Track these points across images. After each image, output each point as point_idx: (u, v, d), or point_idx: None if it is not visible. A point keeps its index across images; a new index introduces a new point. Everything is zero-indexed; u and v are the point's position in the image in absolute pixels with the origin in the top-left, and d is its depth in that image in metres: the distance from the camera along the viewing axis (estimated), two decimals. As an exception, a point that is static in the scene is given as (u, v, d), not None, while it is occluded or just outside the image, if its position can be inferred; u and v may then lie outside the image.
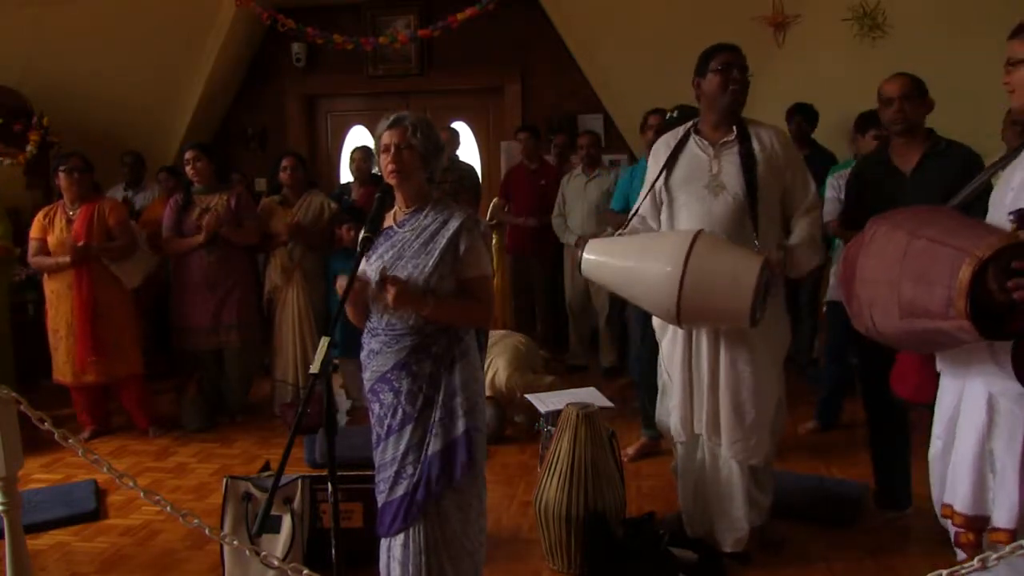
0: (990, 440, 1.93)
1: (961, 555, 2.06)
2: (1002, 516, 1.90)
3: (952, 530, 2.04)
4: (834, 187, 4.11)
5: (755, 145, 2.79)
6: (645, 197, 2.93)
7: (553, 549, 2.96)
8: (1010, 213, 1.84)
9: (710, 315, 2.67)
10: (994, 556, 1.68)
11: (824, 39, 5.50)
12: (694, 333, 2.85)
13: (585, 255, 2.81)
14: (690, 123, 2.95)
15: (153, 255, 4.74)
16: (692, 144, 2.87)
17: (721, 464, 2.90)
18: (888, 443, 3.25)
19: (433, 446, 2.26)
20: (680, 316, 2.62)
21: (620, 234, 2.98)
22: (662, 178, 2.88)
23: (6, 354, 4.75)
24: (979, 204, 2.16)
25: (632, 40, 5.90)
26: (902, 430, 3.18)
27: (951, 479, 2.03)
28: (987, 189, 2.17)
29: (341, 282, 2.19)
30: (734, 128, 2.81)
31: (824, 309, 4.32)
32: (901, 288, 1.85)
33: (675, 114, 4.06)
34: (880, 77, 4.78)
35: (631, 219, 2.98)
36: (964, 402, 2.00)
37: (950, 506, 2.02)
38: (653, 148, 3.03)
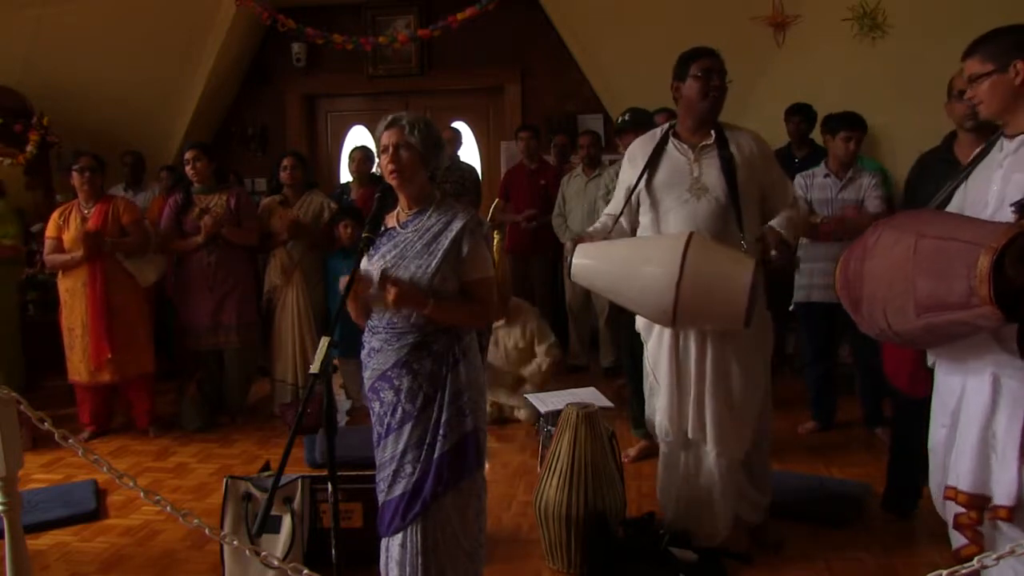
0: (993, 419, 1.98)
1: (958, 540, 2.09)
2: (1001, 493, 1.96)
3: (953, 512, 2.08)
4: (800, 187, 4.14)
5: (733, 149, 2.83)
6: (627, 201, 2.94)
7: (553, 549, 2.96)
8: (1011, 204, 1.91)
9: (705, 317, 2.68)
10: (994, 556, 1.70)
11: (824, 39, 5.50)
12: (681, 333, 2.86)
13: (576, 260, 2.78)
14: (667, 125, 2.97)
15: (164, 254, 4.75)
16: (671, 148, 2.90)
17: (704, 462, 2.91)
18: (908, 446, 3.22)
19: (441, 447, 2.26)
20: (676, 319, 2.62)
21: (603, 238, 2.96)
22: (643, 181, 2.90)
23: (16, 353, 4.76)
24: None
25: (632, 40, 5.90)
26: (922, 434, 3.16)
27: (955, 462, 2.07)
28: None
29: (344, 280, 2.20)
30: (712, 132, 2.85)
31: (792, 308, 4.30)
32: (916, 286, 1.90)
33: (626, 117, 4.04)
34: (880, 77, 4.79)
35: (614, 223, 2.97)
36: (968, 387, 2.05)
37: (954, 487, 2.06)
38: (628, 151, 3.04)
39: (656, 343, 2.94)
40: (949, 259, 1.84)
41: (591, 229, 3.01)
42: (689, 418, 2.87)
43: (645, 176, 2.89)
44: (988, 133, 2.93)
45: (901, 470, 3.28)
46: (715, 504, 2.91)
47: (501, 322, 4.69)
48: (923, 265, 1.90)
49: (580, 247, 2.80)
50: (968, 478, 2.01)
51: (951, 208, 2.16)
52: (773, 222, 2.84)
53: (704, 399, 2.84)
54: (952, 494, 2.06)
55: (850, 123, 4.09)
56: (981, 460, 2.00)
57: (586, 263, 2.77)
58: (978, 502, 2.00)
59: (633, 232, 2.99)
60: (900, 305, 1.95)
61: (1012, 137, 2.06)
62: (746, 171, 2.82)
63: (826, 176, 4.14)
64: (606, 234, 2.95)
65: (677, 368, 2.88)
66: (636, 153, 2.97)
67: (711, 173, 2.82)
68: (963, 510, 2.04)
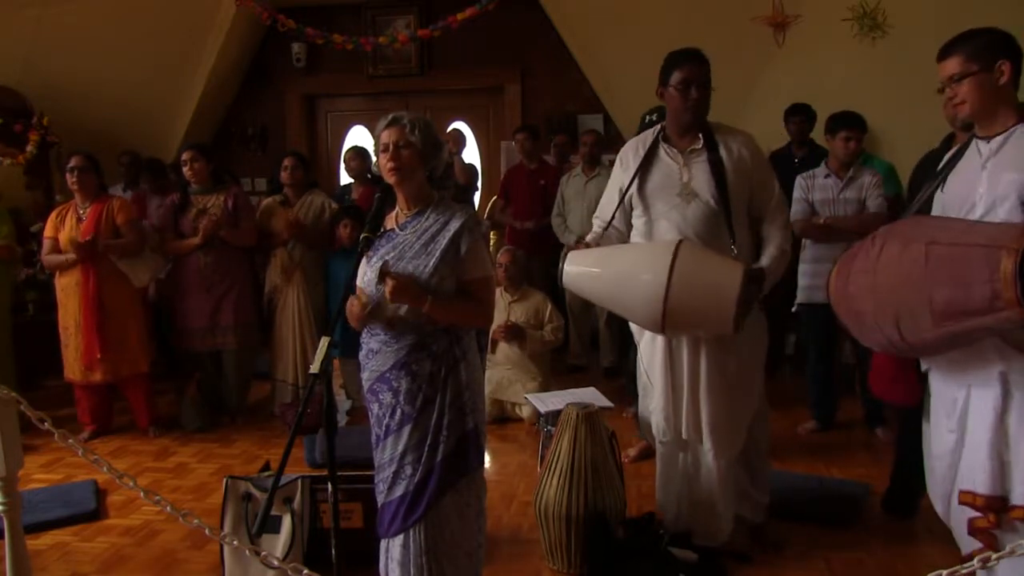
0: (1006, 418, 1.97)
1: (968, 546, 2.08)
2: (1019, 493, 1.94)
3: (967, 517, 2.06)
4: (802, 187, 4.16)
5: (723, 153, 2.81)
6: (619, 205, 2.92)
7: (553, 549, 2.96)
8: None
9: (695, 324, 2.68)
10: (995, 556, 1.69)
11: (824, 39, 5.50)
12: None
13: (566, 267, 2.77)
14: (658, 128, 2.94)
15: (162, 255, 4.75)
16: (662, 152, 2.88)
17: (703, 462, 2.91)
18: (916, 448, 3.21)
19: (444, 449, 2.25)
20: (665, 326, 2.62)
21: (596, 243, 2.95)
22: (635, 185, 2.89)
23: (6, 355, 4.75)
24: (927, 209, 2.20)
25: (632, 40, 5.90)
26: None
27: (968, 466, 2.05)
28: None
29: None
30: (700, 136, 2.83)
31: (794, 310, 4.29)
32: (932, 295, 1.87)
33: (654, 116, 3.90)
34: (880, 77, 4.77)
35: (606, 228, 2.95)
36: (972, 391, 2.03)
37: (970, 491, 2.04)
38: (620, 153, 3.01)
39: (649, 344, 2.94)
40: (967, 264, 1.82)
41: (588, 238, 2.99)
42: (684, 418, 2.87)
43: (637, 180, 2.88)
44: None
45: (905, 472, 3.26)
46: (716, 504, 2.91)
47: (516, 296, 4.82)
48: (939, 273, 1.87)
49: (571, 254, 2.80)
50: (985, 480, 1.99)
51: (933, 213, 2.16)
52: (763, 262, 2.79)
53: (699, 399, 2.84)
54: (969, 499, 2.04)
55: (849, 123, 4.10)
56: (996, 461, 1.98)
57: (577, 271, 2.77)
58: (995, 504, 1.98)
59: (628, 234, 2.98)
60: (914, 316, 1.92)
61: (989, 139, 2.06)
62: (736, 175, 2.80)
63: (827, 176, 4.14)
64: (598, 240, 2.94)
65: (671, 369, 2.88)
66: (627, 155, 2.95)
67: (700, 178, 2.80)
68: (979, 514, 2.01)
